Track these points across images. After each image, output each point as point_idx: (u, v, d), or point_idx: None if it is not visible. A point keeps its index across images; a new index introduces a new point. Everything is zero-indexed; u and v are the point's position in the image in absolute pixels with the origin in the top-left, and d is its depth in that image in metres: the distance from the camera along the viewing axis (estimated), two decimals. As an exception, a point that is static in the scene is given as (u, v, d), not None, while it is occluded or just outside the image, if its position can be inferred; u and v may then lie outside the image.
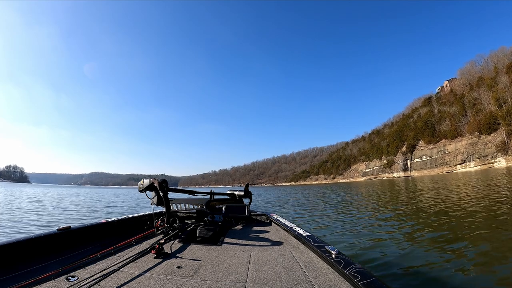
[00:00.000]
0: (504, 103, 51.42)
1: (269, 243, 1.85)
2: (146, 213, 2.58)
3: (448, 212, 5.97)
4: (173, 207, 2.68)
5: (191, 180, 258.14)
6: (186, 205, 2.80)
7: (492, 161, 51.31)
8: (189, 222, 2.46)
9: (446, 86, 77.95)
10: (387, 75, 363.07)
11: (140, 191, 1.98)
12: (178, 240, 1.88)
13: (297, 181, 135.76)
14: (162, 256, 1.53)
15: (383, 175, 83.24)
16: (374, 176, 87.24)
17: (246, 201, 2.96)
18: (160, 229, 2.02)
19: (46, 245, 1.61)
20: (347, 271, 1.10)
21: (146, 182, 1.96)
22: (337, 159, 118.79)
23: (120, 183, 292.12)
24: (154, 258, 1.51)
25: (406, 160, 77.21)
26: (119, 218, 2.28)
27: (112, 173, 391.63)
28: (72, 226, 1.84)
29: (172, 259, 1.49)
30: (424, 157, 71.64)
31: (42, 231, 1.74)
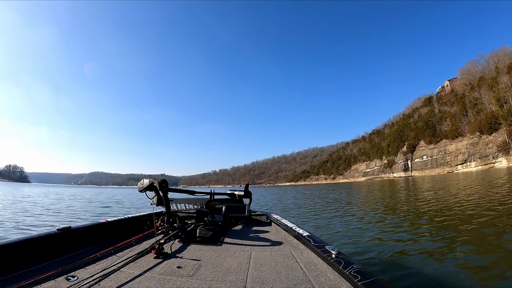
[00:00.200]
0: (505, 103, 51.25)
1: (269, 243, 1.85)
2: (146, 213, 2.58)
3: (449, 212, 5.96)
4: (173, 207, 2.67)
5: (191, 180, 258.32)
6: (186, 205, 2.80)
7: (493, 161, 51.14)
8: (189, 222, 2.46)
9: (447, 86, 77.76)
10: (387, 75, 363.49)
11: (140, 191, 1.98)
12: (178, 240, 1.88)
13: (297, 181, 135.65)
14: (162, 256, 1.53)
15: (383, 175, 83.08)
16: (374, 176, 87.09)
17: (246, 201, 2.96)
18: (160, 229, 2.02)
19: (46, 245, 1.61)
20: (347, 271, 1.10)
21: (146, 182, 1.96)
22: (338, 159, 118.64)
23: (120, 183, 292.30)
24: (154, 258, 1.50)
25: (407, 160, 77.04)
26: (119, 218, 2.28)
27: (112, 173, 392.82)
28: (72, 226, 1.85)
29: (172, 259, 1.49)
30: (425, 157, 71.47)
31: (42, 231, 1.74)
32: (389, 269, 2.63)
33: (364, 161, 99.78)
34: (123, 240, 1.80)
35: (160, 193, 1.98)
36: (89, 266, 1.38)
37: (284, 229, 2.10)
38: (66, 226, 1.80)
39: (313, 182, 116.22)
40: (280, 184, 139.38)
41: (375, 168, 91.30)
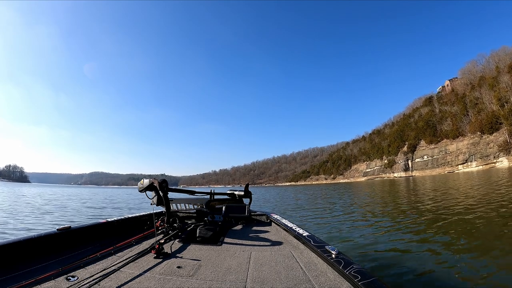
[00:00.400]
0: (506, 103, 51.13)
1: (269, 243, 1.85)
2: (146, 213, 2.58)
3: (450, 212, 5.94)
4: (173, 207, 2.67)
5: (191, 180, 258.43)
6: (186, 205, 2.80)
7: (494, 161, 51.01)
8: (189, 222, 2.45)
9: (447, 85, 77.62)
10: (387, 75, 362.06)
11: (140, 191, 1.98)
12: (178, 240, 1.88)
13: (297, 181, 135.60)
14: (162, 256, 1.53)
15: (384, 175, 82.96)
16: (375, 176, 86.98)
17: (246, 201, 2.96)
18: (160, 229, 2.02)
19: (46, 245, 1.61)
20: (347, 271, 1.10)
21: (146, 182, 1.95)
22: (338, 159, 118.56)
23: (120, 183, 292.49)
24: (154, 258, 1.50)
25: (407, 160, 76.91)
26: (119, 218, 2.28)
27: (112, 173, 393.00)
28: (72, 226, 1.85)
29: (172, 259, 1.49)
30: (425, 157, 71.33)
31: (42, 231, 1.74)
32: (389, 269, 2.62)
33: (364, 161, 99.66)
34: (123, 240, 1.80)
35: (160, 193, 1.98)
36: (89, 266, 1.38)
37: (284, 229, 2.10)
38: (66, 226, 1.80)
39: (313, 182, 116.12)
40: (280, 184, 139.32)
41: (375, 168, 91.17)
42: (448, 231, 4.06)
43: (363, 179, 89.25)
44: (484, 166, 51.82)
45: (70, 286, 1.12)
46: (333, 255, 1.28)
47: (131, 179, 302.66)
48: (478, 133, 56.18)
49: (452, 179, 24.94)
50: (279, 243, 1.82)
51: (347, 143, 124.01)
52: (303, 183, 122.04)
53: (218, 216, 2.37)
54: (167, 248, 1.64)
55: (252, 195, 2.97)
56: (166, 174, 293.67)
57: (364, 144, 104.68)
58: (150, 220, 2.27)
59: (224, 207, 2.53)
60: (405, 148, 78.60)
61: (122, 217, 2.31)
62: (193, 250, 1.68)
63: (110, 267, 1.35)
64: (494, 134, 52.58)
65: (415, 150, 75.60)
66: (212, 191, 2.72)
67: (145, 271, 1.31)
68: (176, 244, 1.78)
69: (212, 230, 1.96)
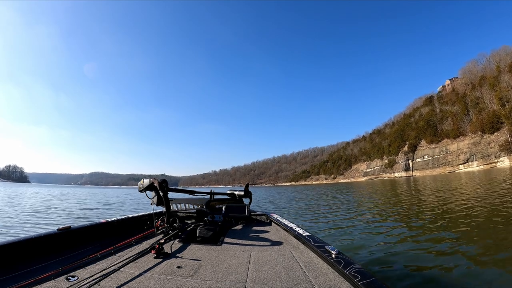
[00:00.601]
0: (507, 102, 50.97)
1: (269, 243, 1.85)
2: (146, 213, 2.58)
3: (450, 212, 5.93)
4: (173, 207, 2.67)
5: (191, 180, 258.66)
6: (186, 205, 2.80)
7: (496, 160, 50.87)
8: (189, 222, 2.45)
9: (448, 85, 77.45)
10: (387, 75, 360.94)
11: (140, 191, 1.98)
12: (178, 240, 1.88)
13: (297, 181, 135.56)
14: (162, 256, 1.53)
15: (384, 175, 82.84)
16: (375, 176, 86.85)
17: (246, 201, 2.96)
18: (160, 229, 2.02)
19: (46, 245, 1.61)
20: (347, 271, 1.10)
21: (146, 182, 1.95)
22: (338, 159, 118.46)
23: (120, 183, 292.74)
24: (154, 258, 1.50)
25: (408, 160, 76.79)
26: (119, 218, 2.28)
27: (112, 173, 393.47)
28: (72, 226, 1.85)
29: (172, 259, 1.49)
30: (426, 156, 71.20)
31: (42, 231, 1.74)
32: (389, 269, 2.62)
33: (364, 161, 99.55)
34: (123, 240, 1.80)
35: (160, 193, 1.98)
36: (89, 266, 1.38)
37: (284, 229, 2.10)
38: (66, 226, 1.80)
39: (314, 182, 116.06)
40: (280, 184, 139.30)
41: (375, 168, 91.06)
42: (450, 231, 4.05)
43: (363, 179, 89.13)
44: (485, 166, 51.68)
45: (70, 286, 1.12)
46: (333, 255, 1.28)
47: (131, 179, 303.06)
48: (479, 132, 56.04)
49: (454, 179, 24.87)
50: (279, 243, 1.82)
51: (348, 143, 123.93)
52: (303, 183, 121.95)
53: (218, 216, 2.37)
54: (167, 248, 1.64)
55: (252, 195, 2.97)
56: (166, 174, 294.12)
57: (365, 144, 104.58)
58: (150, 220, 2.27)
59: (224, 207, 2.53)
60: (405, 148, 78.47)
61: (122, 217, 2.31)
62: (193, 250, 1.68)
63: (110, 267, 1.35)
64: (495, 133, 52.44)
65: (415, 150, 75.46)
66: (212, 191, 2.72)
67: (145, 271, 1.31)
68: (176, 244, 1.78)
69: (212, 230, 1.96)
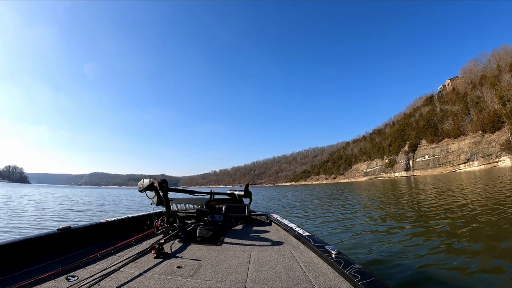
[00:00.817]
0: (508, 101, 50.86)
1: (269, 243, 1.85)
2: (146, 213, 2.58)
3: (452, 213, 5.91)
4: (173, 207, 2.68)
5: (192, 180, 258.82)
6: (186, 205, 2.80)
7: (497, 160, 50.75)
8: (189, 222, 2.45)
9: (448, 85, 77.32)
10: (387, 75, 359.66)
11: (140, 191, 1.98)
12: (178, 240, 1.88)
13: (297, 181, 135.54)
14: (162, 256, 1.53)
15: (384, 175, 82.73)
16: (375, 176, 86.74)
17: (246, 201, 2.96)
18: (160, 229, 2.02)
19: (46, 245, 1.61)
20: (347, 271, 1.10)
21: (146, 182, 1.95)
22: (338, 159, 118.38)
23: (120, 183, 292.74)
24: (154, 258, 1.50)
25: (408, 159, 76.66)
26: (119, 218, 2.29)
27: (112, 173, 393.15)
28: (72, 226, 1.85)
29: (172, 259, 1.49)
30: (427, 156, 71.07)
31: (42, 231, 1.74)
32: (389, 269, 2.61)
33: (365, 161, 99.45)
34: (123, 240, 1.80)
35: (160, 193, 1.98)
36: (89, 266, 1.38)
37: (284, 229, 2.10)
38: (66, 226, 1.80)
39: (314, 182, 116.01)
40: (280, 184, 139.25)
41: (376, 167, 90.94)
42: (450, 232, 4.04)
43: (363, 179, 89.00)
44: (486, 165, 51.54)
45: (70, 286, 1.12)
46: (333, 255, 1.28)
47: (131, 180, 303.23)
48: (480, 132, 55.92)
49: (455, 178, 24.78)
50: (279, 243, 1.82)
51: (348, 143, 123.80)
52: (303, 183, 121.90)
53: (218, 216, 2.37)
54: (167, 248, 1.64)
55: (252, 195, 2.97)
56: (166, 174, 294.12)
57: (365, 144, 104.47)
58: (150, 220, 2.27)
59: (224, 207, 2.53)
60: (406, 148, 78.35)
61: (122, 217, 2.31)
62: (193, 250, 1.68)
63: (110, 267, 1.34)
64: (496, 133, 52.32)
65: (416, 150, 75.32)
66: (212, 191, 2.72)
67: (145, 271, 1.31)
68: (176, 244, 1.78)
69: (212, 230, 1.95)
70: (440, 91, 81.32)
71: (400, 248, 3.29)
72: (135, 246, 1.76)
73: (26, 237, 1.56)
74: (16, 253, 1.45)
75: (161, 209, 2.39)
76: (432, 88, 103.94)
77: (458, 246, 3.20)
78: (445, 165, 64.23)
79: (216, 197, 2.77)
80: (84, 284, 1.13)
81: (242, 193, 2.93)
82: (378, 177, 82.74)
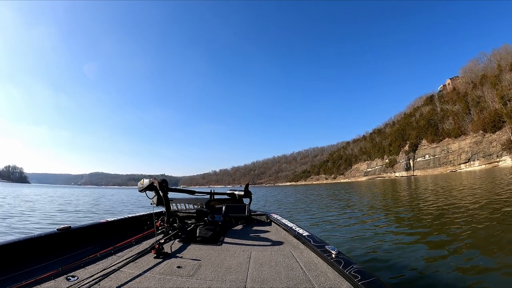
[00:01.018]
0: (509, 101, 50.74)
1: (269, 243, 1.84)
2: (146, 213, 2.59)
3: (452, 213, 5.90)
4: (173, 207, 2.68)
5: (191, 180, 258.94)
6: (186, 205, 2.81)
7: (498, 160, 50.64)
8: (189, 222, 2.46)
9: (449, 84, 77.17)
10: (387, 75, 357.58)
11: (140, 191, 1.98)
12: (178, 240, 1.88)
13: (297, 181, 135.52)
14: (162, 256, 1.53)
15: (385, 175, 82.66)
16: (376, 176, 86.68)
17: (246, 201, 2.96)
18: (160, 229, 2.02)
19: (46, 245, 1.61)
20: (347, 271, 1.10)
21: (146, 182, 1.96)
22: (338, 159, 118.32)
23: (120, 183, 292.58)
24: (154, 258, 1.50)
25: (409, 159, 76.56)
26: (119, 218, 2.29)
27: (112, 173, 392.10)
28: (72, 226, 1.85)
29: (172, 259, 1.49)
30: (427, 156, 70.97)
31: (42, 231, 1.74)
32: (389, 269, 2.61)
33: (365, 161, 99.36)
34: (123, 240, 1.81)
35: (160, 193, 1.98)
36: (89, 266, 1.38)
37: (284, 229, 2.09)
38: (66, 226, 1.81)
39: (314, 182, 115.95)
40: (280, 184, 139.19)
41: (376, 167, 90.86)
42: (450, 232, 4.03)
43: (364, 178, 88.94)
44: (487, 165, 51.43)
45: (70, 286, 1.12)
46: (333, 255, 1.28)
47: (131, 180, 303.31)
48: (481, 131, 55.80)
49: (456, 178, 24.71)
50: (279, 243, 1.82)
51: (348, 143, 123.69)
52: (303, 183, 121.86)
53: (218, 216, 2.37)
54: (167, 248, 1.64)
55: (252, 195, 2.97)
56: (166, 174, 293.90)
57: (365, 144, 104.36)
58: (150, 220, 2.27)
59: (224, 207, 2.53)
60: (406, 148, 78.24)
61: (122, 217, 2.32)
62: (193, 250, 1.68)
63: (110, 267, 1.35)
64: (497, 132, 52.21)
65: (416, 149, 75.20)
66: (212, 191, 2.73)
67: (145, 271, 1.31)
68: (176, 244, 1.78)
69: (212, 230, 1.95)
70: (440, 91, 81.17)
71: (400, 248, 3.28)
72: (135, 246, 1.76)
73: (26, 237, 1.56)
74: (16, 253, 1.45)
75: (161, 209, 2.39)
76: (432, 88, 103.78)
77: (459, 246, 3.19)
78: (446, 165, 64.14)
79: (216, 197, 2.77)
80: (84, 284, 1.13)
81: (242, 193, 2.93)
82: (379, 177, 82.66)
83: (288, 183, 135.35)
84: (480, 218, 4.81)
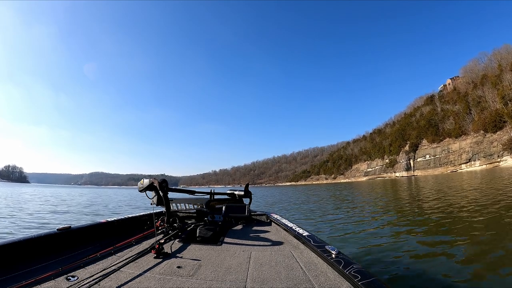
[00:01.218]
0: (510, 101, 50.61)
1: (269, 243, 1.84)
2: (146, 213, 2.59)
3: (453, 213, 5.89)
4: (173, 207, 2.68)
5: (191, 180, 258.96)
6: (186, 205, 2.81)
7: (498, 160, 50.50)
8: (189, 222, 2.45)
9: (449, 84, 77.02)
10: (387, 75, 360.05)
11: (140, 191, 1.98)
12: (178, 240, 1.88)
13: (297, 181, 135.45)
14: (162, 256, 1.53)
15: (385, 175, 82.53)
16: (376, 176, 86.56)
17: (246, 201, 2.96)
18: (160, 229, 2.02)
19: (46, 245, 1.61)
20: (347, 271, 1.11)
21: (146, 182, 1.95)
22: (338, 159, 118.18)
23: (120, 183, 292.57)
24: (154, 258, 1.50)
25: (409, 159, 76.41)
26: (119, 218, 2.29)
27: (112, 173, 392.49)
28: (72, 226, 1.85)
29: (172, 259, 1.49)
30: (428, 156, 70.82)
31: (42, 231, 1.74)
32: (389, 269, 2.60)
33: (365, 161, 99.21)
34: (123, 240, 1.81)
35: (160, 193, 1.98)
36: (89, 266, 1.38)
37: (284, 229, 2.09)
38: (66, 226, 1.81)
39: (314, 182, 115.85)
40: (280, 184, 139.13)
41: (376, 167, 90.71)
42: (451, 232, 4.02)
43: (364, 178, 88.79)
44: (487, 165, 51.28)
45: (70, 286, 1.12)
46: (333, 255, 1.28)
47: (131, 179, 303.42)
48: (482, 131, 55.65)
49: (457, 178, 24.64)
50: (279, 243, 1.82)
51: (348, 143, 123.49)
52: (303, 183, 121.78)
53: (218, 216, 2.37)
54: (167, 248, 1.64)
55: (252, 195, 2.97)
56: (166, 174, 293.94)
57: (365, 144, 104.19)
58: (150, 220, 2.27)
59: (224, 207, 2.53)
60: (406, 148, 78.09)
61: (122, 217, 2.32)
62: (193, 250, 1.68)
63: (110, 267, 1.34)
64: (498, 132, 52.06)
65: (417, 149, 75.05)
66: (212, 191, 2.72)
67: (145, 271, 1.31)
68: (176, 244, 1.78)
69: (212, 230, 1.95)
70: (441, 91, 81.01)
71: (401, 248, 3.28)
72: (135, 246, 1.76)
73: (26, 237, 1.56)
74: (16, 253, 1.45)
75: (161, 209, 2.39)
76: (433, 88, 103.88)
77: (459, 246, 3.18)
78: (446, 165, 63.98)
79: (216, 197, 2.77)
80: (84, 284, 1.13)
81: (242, 193, 2.93)
82: (379, 177, 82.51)
83: (288, 183, 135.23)
84: (484, 219, 4.79)
